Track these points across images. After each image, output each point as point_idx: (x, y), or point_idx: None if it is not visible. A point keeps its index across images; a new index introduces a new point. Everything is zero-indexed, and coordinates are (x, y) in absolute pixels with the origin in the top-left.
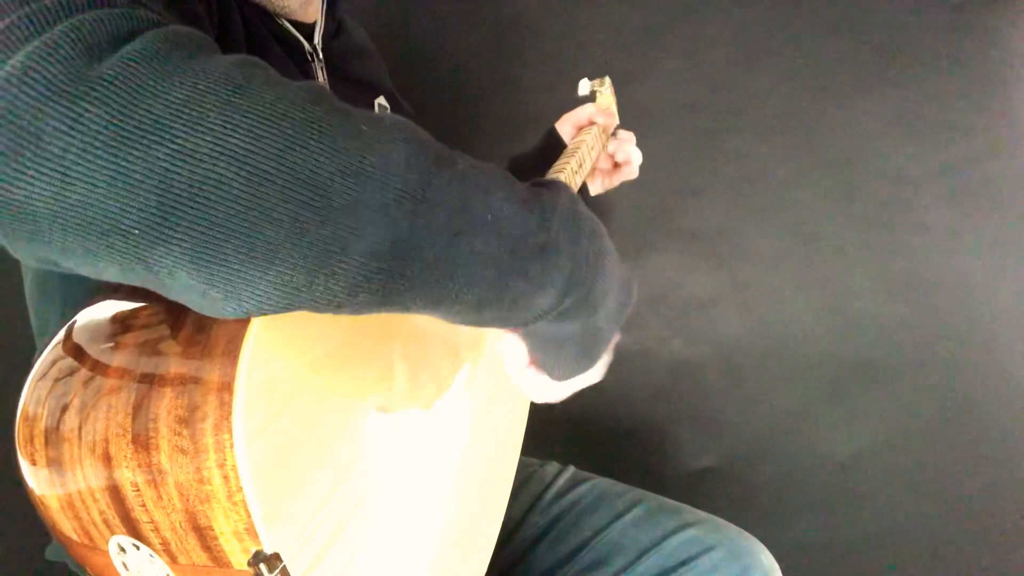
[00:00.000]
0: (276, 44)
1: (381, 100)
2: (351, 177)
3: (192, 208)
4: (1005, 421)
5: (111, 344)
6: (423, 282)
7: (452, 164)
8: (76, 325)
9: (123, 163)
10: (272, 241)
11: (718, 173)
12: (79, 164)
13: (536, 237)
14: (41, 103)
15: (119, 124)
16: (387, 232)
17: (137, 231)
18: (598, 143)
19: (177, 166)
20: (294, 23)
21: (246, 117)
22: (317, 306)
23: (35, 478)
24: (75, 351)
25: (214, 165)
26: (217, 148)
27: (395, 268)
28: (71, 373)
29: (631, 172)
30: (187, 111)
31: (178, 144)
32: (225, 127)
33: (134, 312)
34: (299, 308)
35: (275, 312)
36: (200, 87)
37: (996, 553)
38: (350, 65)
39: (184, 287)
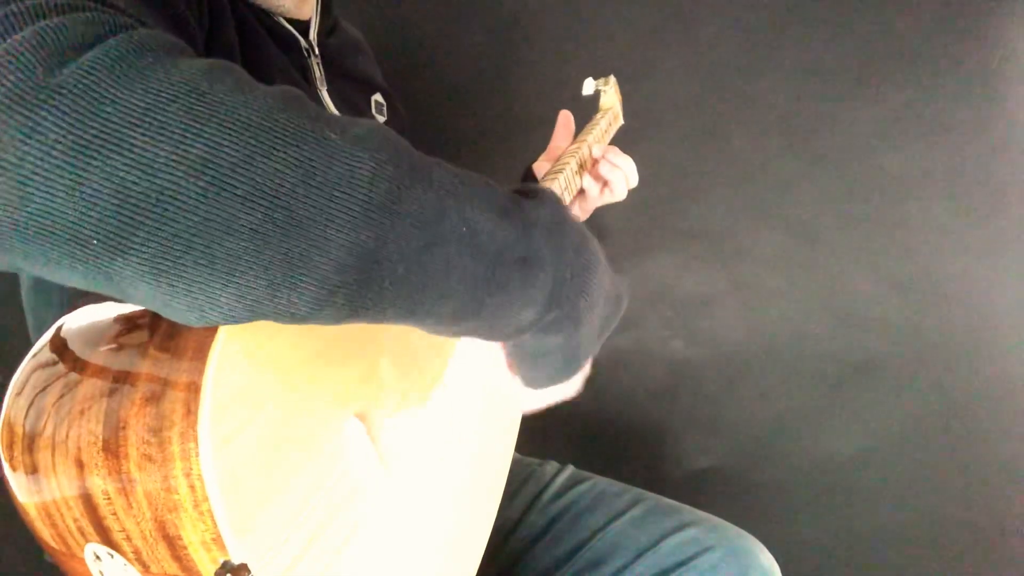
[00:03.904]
0: (272, 41)
1: (378, 97)
2: (315, 188)
3: (150, 218)
4: (1005, 421)
5: (89, 350)
6: (393, 296)
7: (427, 174)
8: (59, 331)
9: (81, 172)
10: (232, 253)
11: (718, 173)
12: (37, 173)
13: (516, 250)
14: None
15: (77, 133)
16: (353, 245)
17: (96, 241)
18: (602, 142)
19: (135, 176)
20: (290, 20)
21: (207, 125)
22: (281, 318)
23: (16, 484)
24: (55, 357)
25: (172, 174)
26: (176, 158)
27: (362, 282)
28: (50, 379)
29: (617, 194)
30: (147, 119)
31: (136, 153)
32: (185, 135)
33: (115, 318)
34: (264, 319)
35: (239, 322)
36: (163, 95)
37: (996, 552)
38: (347, 62)
39: (145, 297)
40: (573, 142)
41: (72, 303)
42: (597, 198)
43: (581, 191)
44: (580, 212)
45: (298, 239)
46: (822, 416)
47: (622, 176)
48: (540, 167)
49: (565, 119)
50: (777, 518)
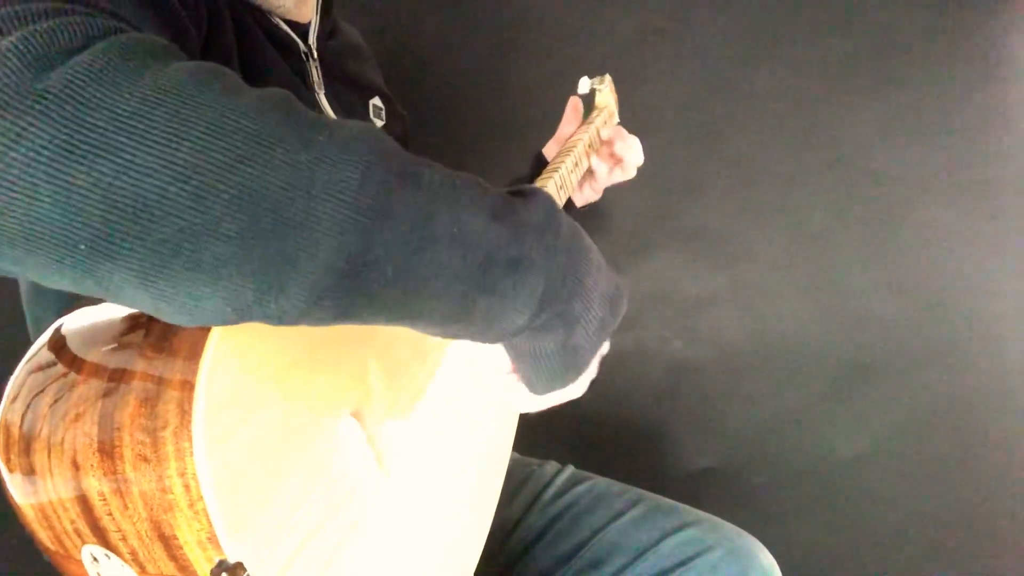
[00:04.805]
0: (270, 44)
1: (376, 101)
2: (302, 191)
3: (138, 223)
4: (1005, 421)
5: (85, 351)
6: (382, 299)
7: (417, 176)
8: (58, 332)
9: (67, 178)
10: (219, 258)
11: (718, 173)
12: (23, 179)
13: (507, 252)
14: None
15: (64, 138)
16: (342, 248)
17: (83, 246)
18: (596, 141)
19: (122, 181)
20: (289, 23)
21: (194, 129)
22: (270, 321)
23: (13, 486)
24: (53, 359)
25: (159, 179)
26: (163, 162)
27: (351, 285)
28: (46, 382)
29: (626, 172)
30: (134, 124)
31: (124, 158)
32: (171, 140)
33: (111, 319)
34: (253, 321)
35: (228, 325)
36: (150, 99)
37: (996, 553)
38: (346, 65)
39: (134, 300)
40: (568, 140)
41: (70, 304)
42: (606, 177)
43: (590, 172)
44: (592, 193)
45: (286, 243)
46: (822, 416)
47: (634, 154)
48: (550, 150)
49: (574, 104)
50: (777, 518)
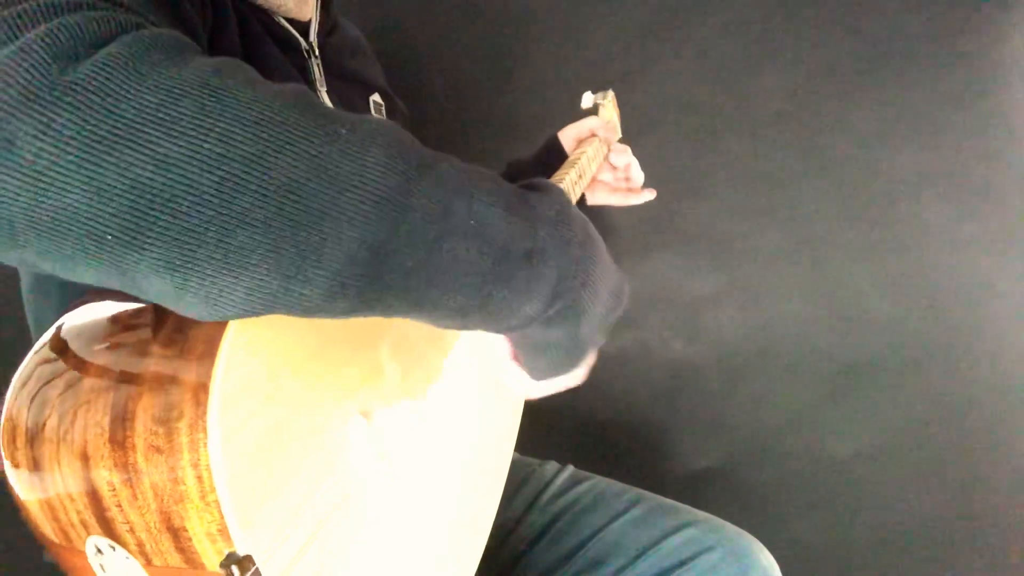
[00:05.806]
0: (272, 42)
1: (376, 97)
2: (326, 182)
3: (164, 214)
4: (1005, 421)
5: (94, 346)
6: (402, 289)
7: (435, 168)
8: (63, 327)
9: (95, 169)
10: (245, 247)
11: (718, 173)
12: (52, 170)
13: (522, 244)
14: (14, 108)
15: (92, 129)
16: (364, 239)
17: (110, 237)
18: (599, 155)
19: (149, 171)
20: (290, 21)
21: (220, 121)
22: (293, 311)
23: (17, 479)
24: (59, 353)
25: (187, 170)
26: (190, 153)
27: (373, 275)
28: (54, 375)
29: (640, 195)
30: (161, 115)
31: (151, 149)
32: (198, 131)
33: (118, 314)
34: (275, 312)
35: (252, 315)
36: (175, 91)
37: (995, 553)
38: (346, 62)
39: (159, 292)
40: (572, 153)
41: (71, 303)
42: (613, 182)
43: (595, 182)
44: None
45: (310, 232)
46: (822, 416)
47: (626, 157)
48: (566, 135)
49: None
50: (777, 518)
